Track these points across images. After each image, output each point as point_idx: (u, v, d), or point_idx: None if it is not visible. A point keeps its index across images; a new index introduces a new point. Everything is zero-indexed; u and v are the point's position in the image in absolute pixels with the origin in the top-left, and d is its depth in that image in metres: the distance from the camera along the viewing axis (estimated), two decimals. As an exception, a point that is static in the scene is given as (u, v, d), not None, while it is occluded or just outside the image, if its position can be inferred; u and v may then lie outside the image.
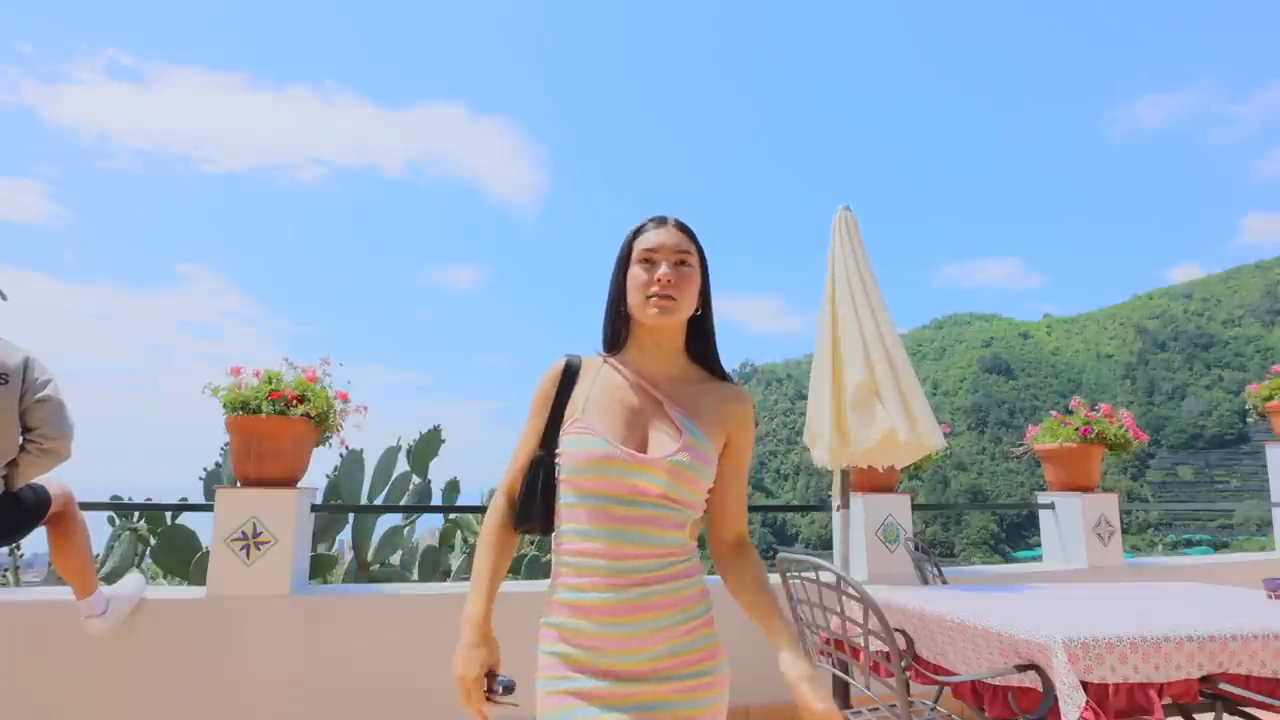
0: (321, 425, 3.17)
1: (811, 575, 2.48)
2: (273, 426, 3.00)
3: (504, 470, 1.36)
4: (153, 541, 4.75)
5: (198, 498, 4.86)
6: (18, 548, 4.61)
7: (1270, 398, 4.79)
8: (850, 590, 2.22)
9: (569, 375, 1.33)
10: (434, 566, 5.33)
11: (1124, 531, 4.21)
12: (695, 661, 1.20)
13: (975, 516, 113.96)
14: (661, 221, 1.34)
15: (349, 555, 5.36)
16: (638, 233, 1.34)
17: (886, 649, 2.14)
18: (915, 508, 3.90)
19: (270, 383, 3.05)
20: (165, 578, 4.73)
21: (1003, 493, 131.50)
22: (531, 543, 5.64)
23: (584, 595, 1.18)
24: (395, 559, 5.43)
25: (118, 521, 4.92)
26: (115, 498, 3.71)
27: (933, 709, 2.58)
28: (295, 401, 3.03)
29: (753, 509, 1.42)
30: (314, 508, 3.34)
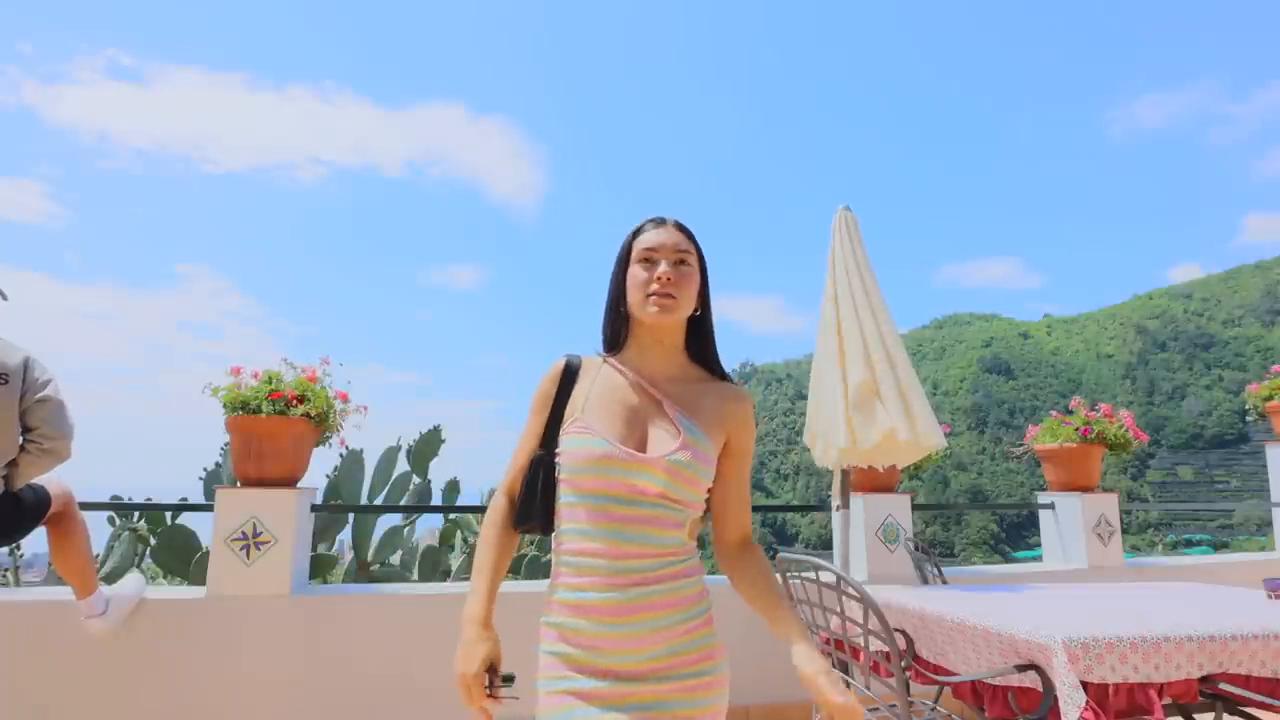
0: (321, 425, 3.17)
1: (811, 575, 2.48)
2: (273, 426, 3.00)
3: (504, 470, 1.36)
4: (153, 541, 4.75)
5: (198, 498, 4.87)
6: (18, 548, 4.61)
7: (1270, 398, 4.79)
8: (850, 590, 2.22)
9: (569, 375, 1.34)
10: (434, 566, 5.33)
11: (1124, 531, 4.21)
12: (695, 661, 1.20)
13: (975, 516, 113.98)
14: (661, 222, 1.34)
15: (349, 555, 5.37)
16: (637, 233, 1.35)
17: (886, 649, 2.14)
18: (915, 508, 3.90)
19: (270, 383, 3.05)
20: (165, 578, 4.73)
21: (1003, 493, 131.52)
22: (531, 543, 5.64)
23: (584, 595, 1.18)
24: (395, 559, 5.43)
25: (118, 521, 4.93)
26: (115, 498, 3.71)
27: (933, 709, 2.58)
28: (295, 401, 3.03)
29: (753, 509, 1.42)
30: (314, 508, 3.34)
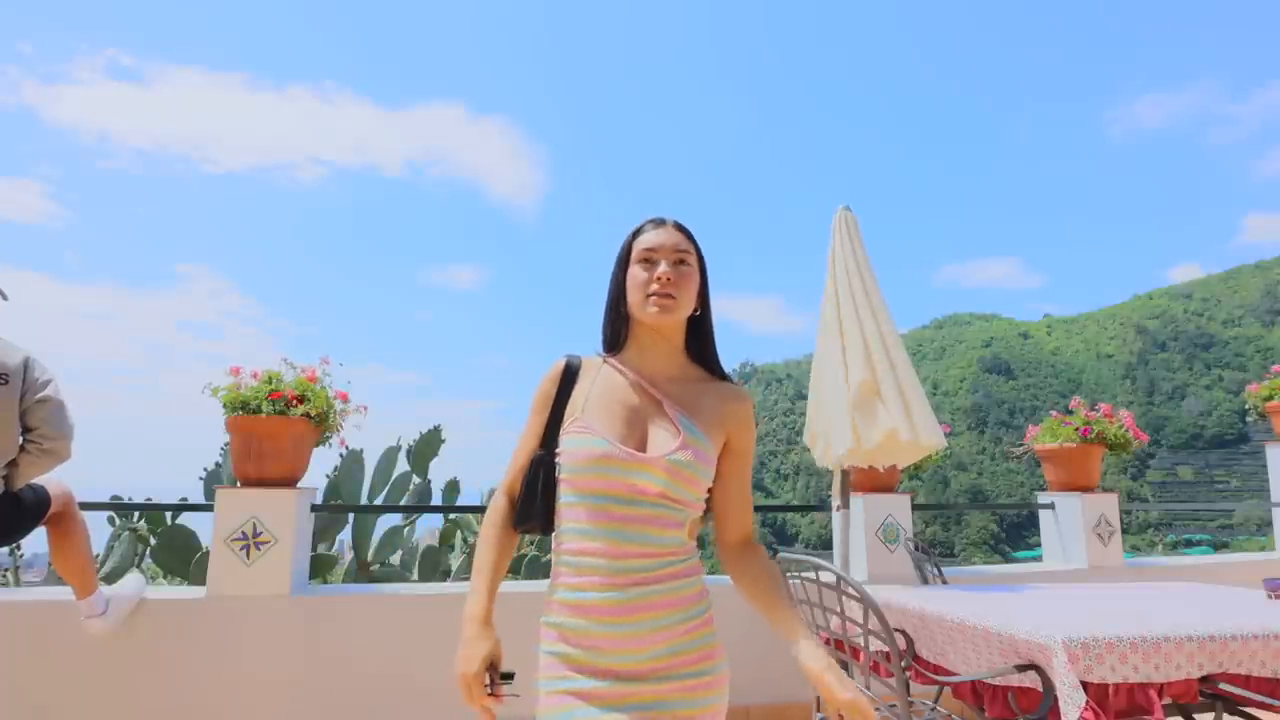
0: (321, 425, 3.17)
1: (811, 575, 2.48)
2: (273, 426, 3.00)
3: (504, 470, 1.37)
4: (153, 541, 4.75)
5: (198, 498, 4.86)
6: (18, 548, 4.61)
7: (1270, 398, 4.79)
8: (850, 590, 2.22)
9: (569, 375, 1.34)
10: (434, 566, 5.33)
11: (1124, 531, 4.21)
12: (695, 661, 1.20)
13: (975, 516, 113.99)
14: (660, 222, 1.35)
15: (349, 555, 5.37)
16: (637, 233, 1.35)
17: (886, 649, 2.14)
18: (915, 508, 3.90)
19: (270, 383, 3.05)
20: (165, 578, 4.73)
21: (1003, 493, 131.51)
22: (531, 543, 5.64)
23: (584, 595, 1.18)
24: (395, 559, 5.43)
25: (118, 521, 4.93)
26: (115, 498, 3.71)
27: (933, 709, 2.58)
28: (295, 401, 3.03)
29: (753, 509, 1.42)
30: (314, 508, 3.34)
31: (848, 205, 3.60)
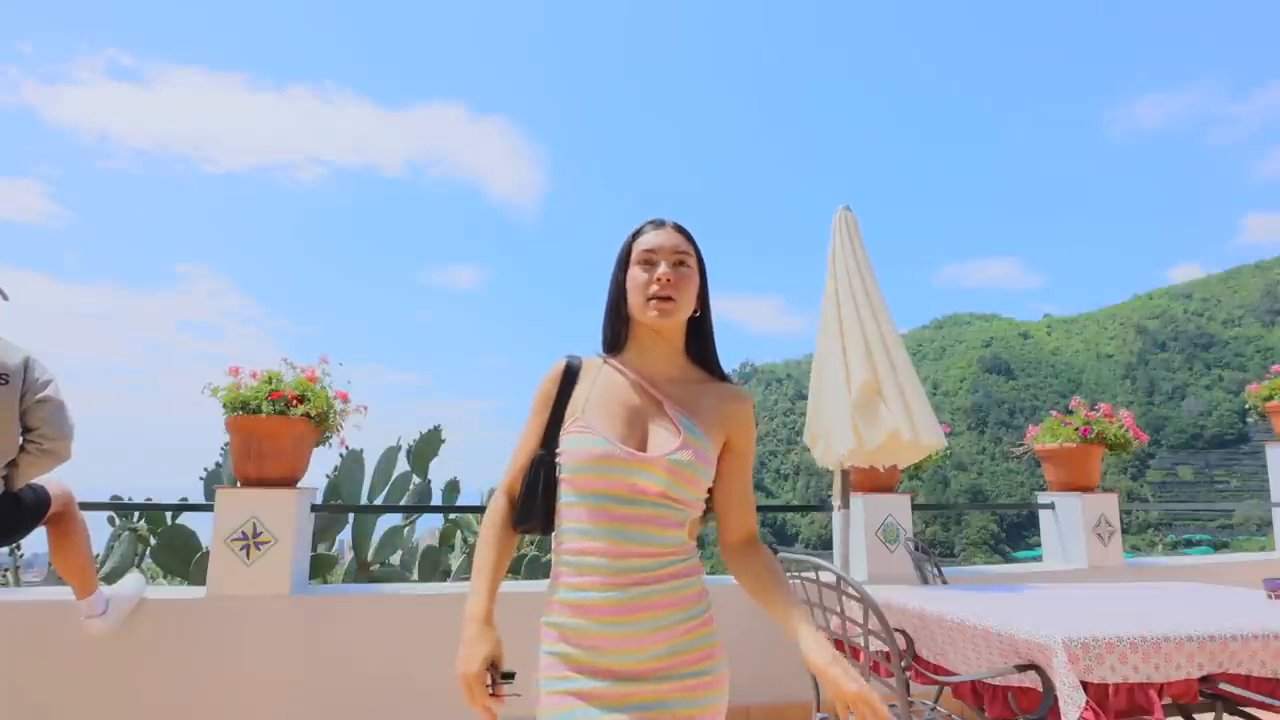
0: (321, 425, 3.17)
1: (811, 575, 2.48)
2: (273, 426, 3.00)
3: (504, 470, 1.37)
4: (153, 541, 4.75)
5: (198, 498, 4.86)
6: (18, 548, 4.61)
7: (1270, 398, 4.79)
8: (850, 590, 2.22)
9: (569, 376, 1.34)
10: (434, 566, 5.33)
11: (1124, 531, 4.21)
12: (695, 661, 1.20)
13: (975, 516, 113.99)
14: (660, 224, 1.35)
15: (349, 555, 5.37)
16: (637, 235, 1.36)
17: (886, 649, 2.14)
18: (915, 508, 3.90)
19: (270, 383, 3.05)
20: (165, 578, 4.73)
21: (1003, 493, 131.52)
22: (531, 543, 5.64)
23: (584, 594, 1.18)
24: (395, 559, 5.43)
25: (118, 521, 4.93)
26: (115, 498, 3.71)
27: (933, 709, 2.58)
28: (295, 401, 3.03)
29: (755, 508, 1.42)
30: (314, 508, 3.34)
31: (848, 205, 3.60)
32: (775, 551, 2.53)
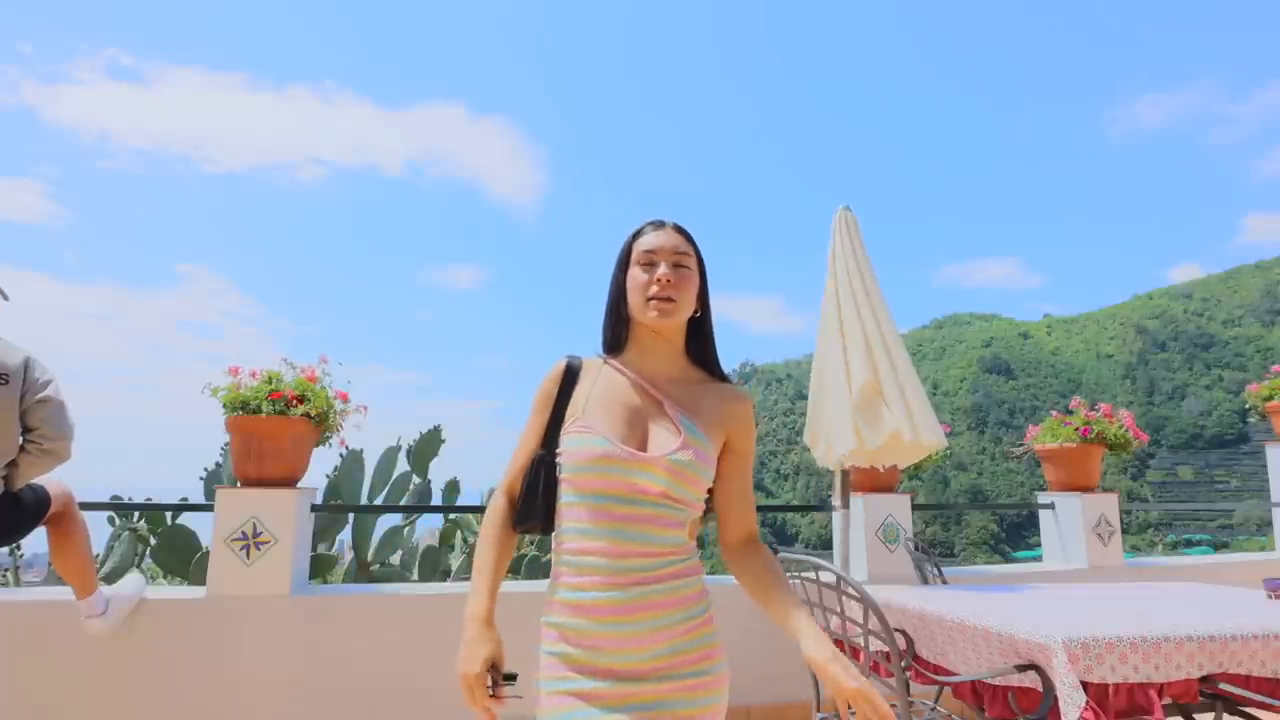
0: (321, 425, 3.17)
1: (811, 575, 2.48)
2: (273, 426, 3.00)
3: (504, 470, 1.37)
4: (153, 541, 4.75)
5: (198, 498, 4.87)
6: (18, 548, 4.61)
7: (1270, 398, 4.79)
8: (850, 590, 2.22)
9: (570, 376, 1.34)
10: (434, 566, 5.33)
11: (1124, 531, 4.21)
12: (695, 660, 1.20)
13: (975, 516, 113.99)
14: (660, 225, 1.35)
15: (349, 555, 5.37)
16: (637, 235, 1.36)
17: (886, 649, 2.14)
18: (915, 508, 3.90)
19: (270, 383, 3.05)
20: (165, 578, 4.73)
21: (1003, 493, 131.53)
22: (531, 543, 5.65)
23: (585, 594, 1.18)
24: (395, 559, 5.43)
25: (118, 521, 4.93)
26: (115, 498, 3.71)
27: (933, 709, 2.58)
28: (295, 401, 3.03)
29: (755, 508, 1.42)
30: (314, 508, 3.34)
31: (848, 205, 3.60)
32: (775, 551, 2.53)
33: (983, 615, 2.23)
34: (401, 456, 5.78)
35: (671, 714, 1.16)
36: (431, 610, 3.11)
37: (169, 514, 4.78)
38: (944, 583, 3.50)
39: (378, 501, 5.53)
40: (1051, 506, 4.29)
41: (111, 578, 4.36)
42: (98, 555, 4.66)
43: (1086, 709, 1.82)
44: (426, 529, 6.11)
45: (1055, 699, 1.90)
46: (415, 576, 5.26)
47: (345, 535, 5.37)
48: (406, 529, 5.63)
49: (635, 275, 1.31)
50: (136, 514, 4.96)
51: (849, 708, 1.11)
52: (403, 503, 5.63)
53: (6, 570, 4.72)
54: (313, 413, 3.07)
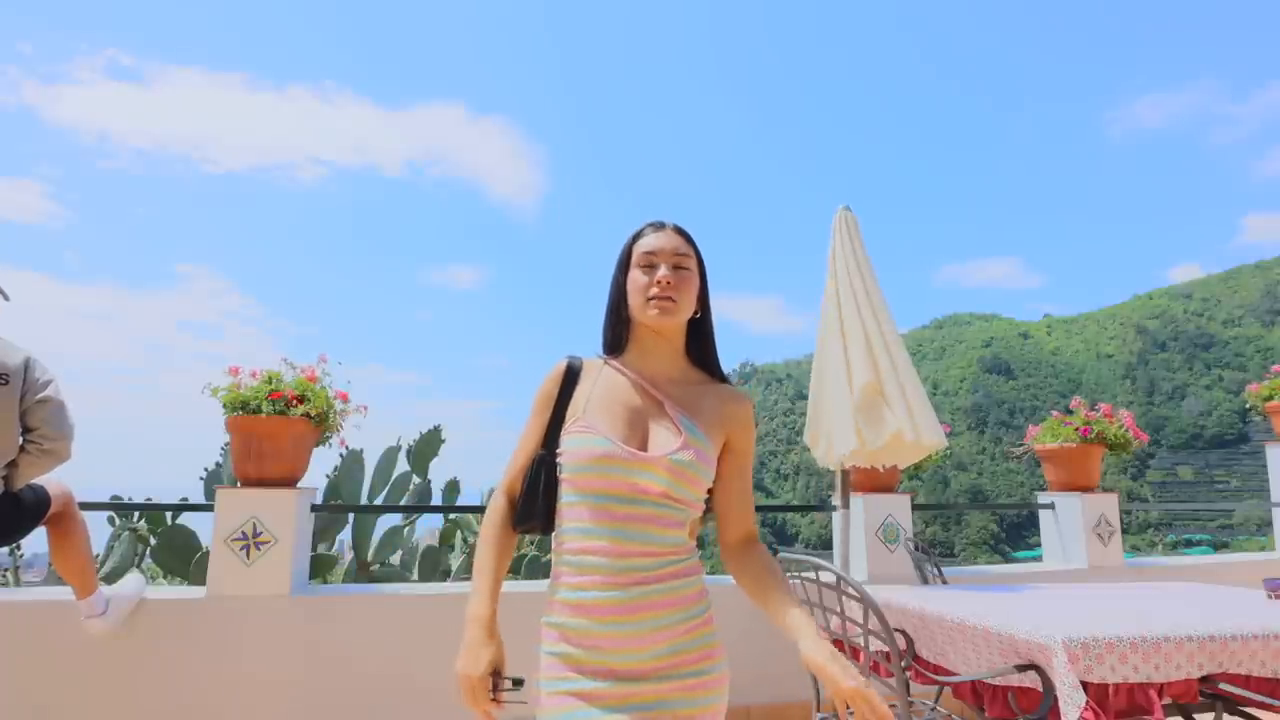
0: (321, 425, 3.17)
1: (811, 575, 2.48)
2: (273, 426, 3.00)
3: (504, 470, 1.37)
4: (153, 541, 4.75)
5: (198, 498, 4.87)
6: (18, 548, 4.61)
7: (1270, 398, 4.79)
8: (850, 590, 2.22)
9: (570, 376, 1.34)
10: (434, 566, 5.33)
11: (1124, 531, 4.21)
12: (695, 660, 1.21)
13: (975, 516, 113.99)
14: (660, 226, 1.36)
15: (349, 555, 5.37)
16: (637, 237, 1.36)
17: (886, 649, 2.14)
18: (915, 508, 3.90)
19: (270, 383, 3.05)
20: (165, 578, 4.73)
21: (1003, 493, 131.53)
22: (531, 543, 5.65)
23: (585, 594, 1.18)
24: (395, 559, 5.43)
25: (118, 521, 4.93)
26: (115, 498, 3.71)
27: (933, 709, 2.58)
28: (295, 401, 3.03)
29: (754, 509, 1.42)
30: (314, 508, 3.34)
31: (848, 205, 3.60)
32: (775, 552, 2.54)
33: (983, 615, 2.23)
34: (401, 456, 5.78)
35: (672, 714, 1.16)
36: (431, 610, 3.11)
37: (169, 514, 4.79)
38: (944, 583, 3.50)
39: (378, 501, 5.53)
40: (1051, 506, 4.29)
41: (111, 578, 4.36)
42: (98, 555, 4.66)
43: (1086, 709, 1.82)
44: (426, 529, 6.11)
45: (1055, 699, 1.90)
46: (415, 577, 5.26)
47: (345, 535, 5.37)
48: (406, 529, 5.64)
49: (635, 277, 1.32)
50: (136, 514, 4.96)
51: (847, 708, 1.11)
52: (403, 503, 5.63)
53: (6, 570, 4.72)
54: (313, 413, 3.07)
